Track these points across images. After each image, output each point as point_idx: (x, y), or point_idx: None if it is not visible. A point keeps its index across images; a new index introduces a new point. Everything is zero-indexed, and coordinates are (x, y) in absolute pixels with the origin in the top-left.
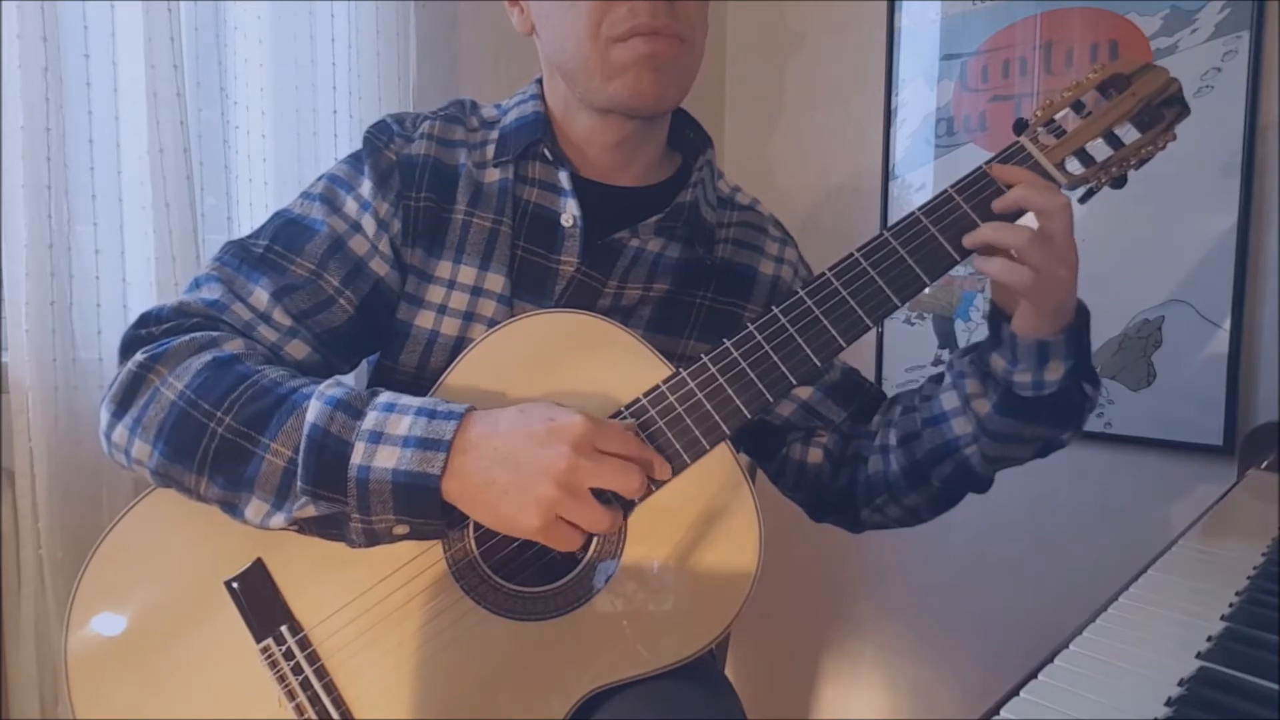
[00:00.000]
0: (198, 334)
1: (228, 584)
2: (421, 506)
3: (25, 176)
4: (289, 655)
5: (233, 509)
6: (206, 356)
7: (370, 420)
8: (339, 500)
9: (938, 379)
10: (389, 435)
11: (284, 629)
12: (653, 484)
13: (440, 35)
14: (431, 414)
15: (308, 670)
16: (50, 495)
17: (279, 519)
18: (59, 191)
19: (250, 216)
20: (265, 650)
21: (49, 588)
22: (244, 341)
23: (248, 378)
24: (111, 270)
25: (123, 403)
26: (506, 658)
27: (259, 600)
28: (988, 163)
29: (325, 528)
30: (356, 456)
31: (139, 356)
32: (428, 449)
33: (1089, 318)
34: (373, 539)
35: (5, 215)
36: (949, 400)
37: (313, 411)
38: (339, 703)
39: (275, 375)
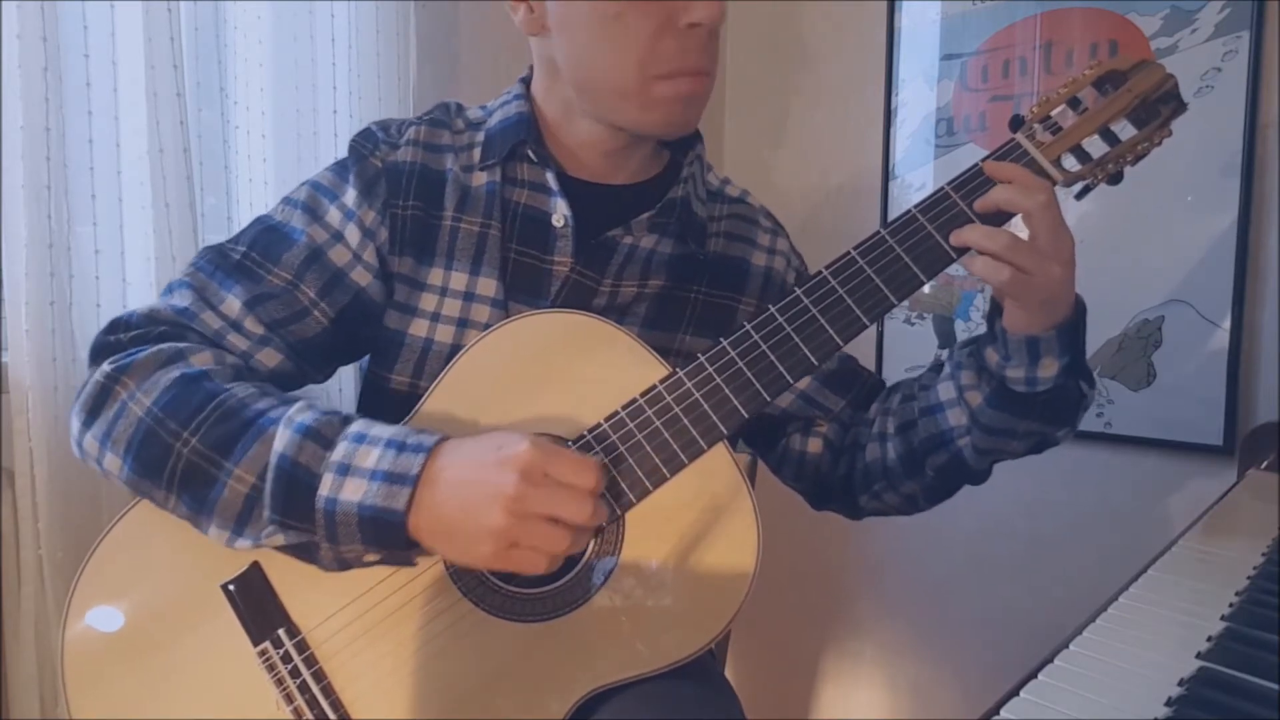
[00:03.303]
0: (164, 345)
1: (224, 587)
2: (388, 539)
3: (25, 176)
4: (287, 658)
5: (199, 528)
6: (175, 372)
7: (340, 451)
8: (307, 530)
9: (937, 368)
10: (357, 468)
11: (281, 632)
12: (649, 484)
13: (440, 35)
14: (401, 446)
15: (306, 673)
16: (50, 495)
17: (243, 543)
18: (59, 191)
19: (250, 216)
20: (263, 653)
21: (49, 588)
22: (213, 354)
23: (215, 396)
24: (111, 270)
25: (92, 412)
26: (505, 659)
27: (256, 603)
28: (984, 159)
29: (296, 553)
30: (324, 488)
31: (106, 367)
32: (394, 483)
33: (1085, 314)
34: (344, 565)
35: (5, 215)
36: (945, 391)
37: (281, 440)
38: (337, 705)
39: (243, 394)
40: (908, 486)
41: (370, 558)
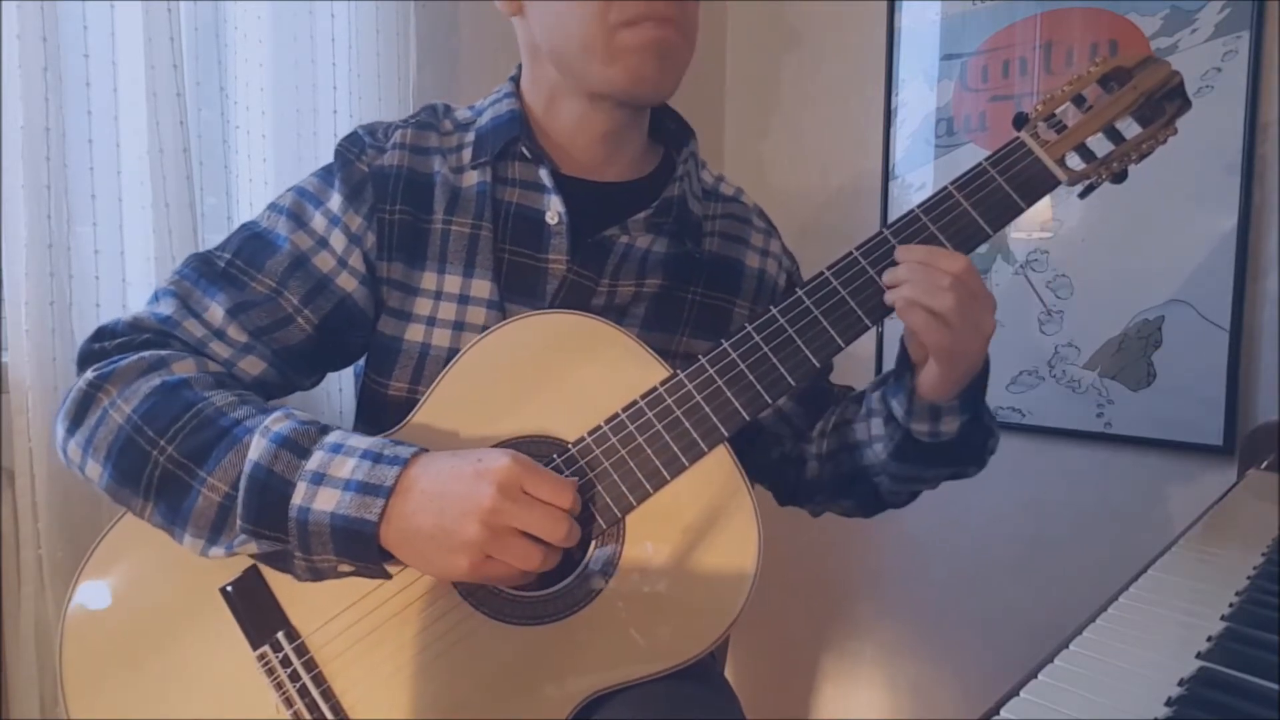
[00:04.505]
0: (146, 353)
1: (223, 589)
2: (360, 551)
3: (25, 176)
4: (286, 662)
5: (174, 538)
6: (155, 380)
7: (315, 461)
8: (280, 539)
9: (860, 398)
10: (331, 477)
11: (281, 635)
12: (650, 487)
13: (440, 35)
14: (377, 458)
15: (305, 677)
16: (50, 495)
17: (216, 551)
18: (59, 191)
19: (250, 216)
20: (262, 657)
21: (49, 588)
22: (195, 362)
23: (193, 405)
24: (111, 270)
25: (75, 420)
26: (505, 663)
27: (255, 606)
28: (989, 159)
29: (270, 561)
30: (298, 497)
31: (89, 375)
32: (367, 494)
33: (988, 374)
34: (317, 576)
35: (5, 215)
36: (862, 430)
37: (256, 449)
38: (337, 710)
39: (221, 403)
40: (843, 503)
41: (344, 568)
